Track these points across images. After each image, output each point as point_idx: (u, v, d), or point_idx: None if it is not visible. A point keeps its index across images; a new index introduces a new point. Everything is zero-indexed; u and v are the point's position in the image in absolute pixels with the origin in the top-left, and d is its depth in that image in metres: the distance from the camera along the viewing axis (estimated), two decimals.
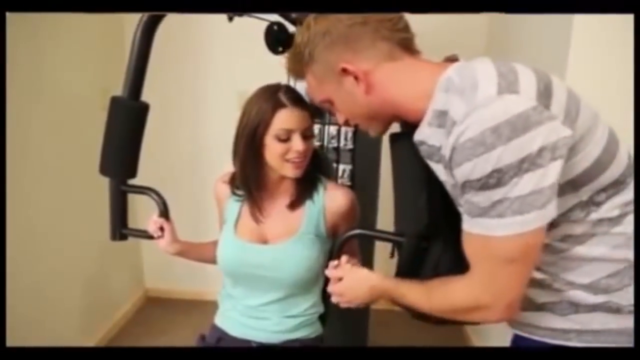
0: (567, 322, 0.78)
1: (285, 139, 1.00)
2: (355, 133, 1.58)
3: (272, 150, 1.02)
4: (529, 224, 0.65)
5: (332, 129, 1.58)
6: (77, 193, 2.04)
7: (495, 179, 0.63)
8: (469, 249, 0.74)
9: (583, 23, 1.30)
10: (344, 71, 0.79)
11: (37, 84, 1.79)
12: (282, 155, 1.02)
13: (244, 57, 2.26)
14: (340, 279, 0.96)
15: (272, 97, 1.01)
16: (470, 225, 0.71)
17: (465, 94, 0.67)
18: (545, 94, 0.66)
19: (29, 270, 1.77)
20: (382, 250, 1.24)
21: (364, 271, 0.94)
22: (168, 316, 2.55)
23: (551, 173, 0.63)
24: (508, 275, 0.70)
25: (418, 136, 0.78)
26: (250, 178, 1.07)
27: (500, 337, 1.13)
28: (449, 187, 0.77)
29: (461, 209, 0.75)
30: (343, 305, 0.97)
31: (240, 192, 1.13)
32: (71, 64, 2.00)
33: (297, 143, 1.01)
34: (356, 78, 0.79)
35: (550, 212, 0.66)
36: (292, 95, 1.02)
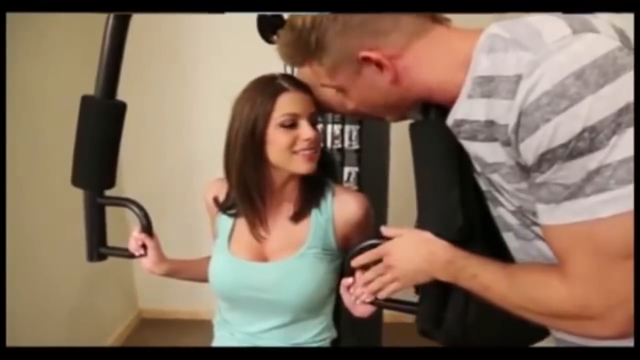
0: None
1: (290, 125, 0.89)
2: (360, 132, 1.45)
3: (278, 142, 0.89)
4: None
5: (336, 128, 1.46)
6: (63, 208, 1.90)
7: (587, 140, 0.50)
8: (562, 246, 0.58)
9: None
10: (365, 59, 0.66)
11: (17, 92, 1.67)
12: (289, 147, 0.90)
13: (233, 62, 2.15)
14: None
15: (269, 85, 0.90)
16: (557, 216, 0.56)
17: (525, 43, 0.55)
18: (624, 36, 0.55)
19: (12, 290, 1.65)
20: None
21: (426, 232, 0.75)
22: (164, 338, 2.45)
23: None
24: (627, 274, 0.53)
25: (456, 114, 0.64)
26: (251, 186, 0.94)
27: None
28: (503, 172, 0.62)
29: (514, 201, 0.62)
30: (389, 285, 0.77)
31: (231, 212, 1.01)
32: (50, 68, 1.89)
33: (305, 130, 0.89)
34: (379, 66, 0.66)
35: None
36: (291, 80, 0.92)
